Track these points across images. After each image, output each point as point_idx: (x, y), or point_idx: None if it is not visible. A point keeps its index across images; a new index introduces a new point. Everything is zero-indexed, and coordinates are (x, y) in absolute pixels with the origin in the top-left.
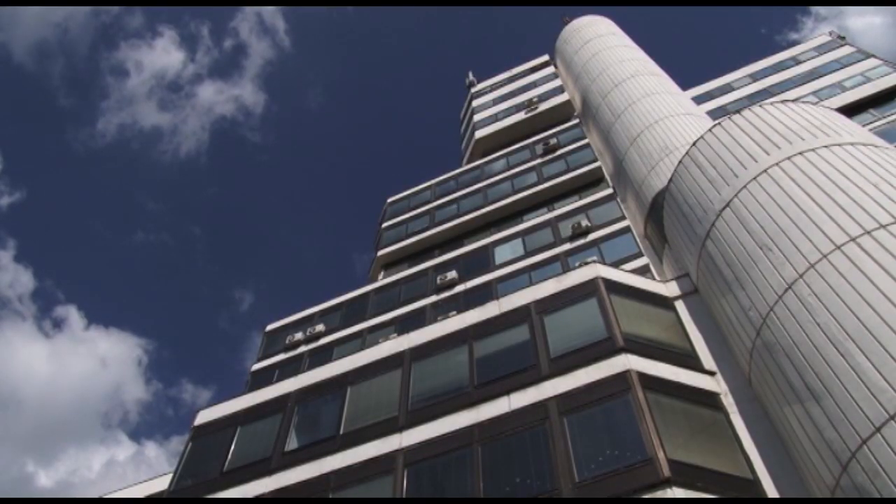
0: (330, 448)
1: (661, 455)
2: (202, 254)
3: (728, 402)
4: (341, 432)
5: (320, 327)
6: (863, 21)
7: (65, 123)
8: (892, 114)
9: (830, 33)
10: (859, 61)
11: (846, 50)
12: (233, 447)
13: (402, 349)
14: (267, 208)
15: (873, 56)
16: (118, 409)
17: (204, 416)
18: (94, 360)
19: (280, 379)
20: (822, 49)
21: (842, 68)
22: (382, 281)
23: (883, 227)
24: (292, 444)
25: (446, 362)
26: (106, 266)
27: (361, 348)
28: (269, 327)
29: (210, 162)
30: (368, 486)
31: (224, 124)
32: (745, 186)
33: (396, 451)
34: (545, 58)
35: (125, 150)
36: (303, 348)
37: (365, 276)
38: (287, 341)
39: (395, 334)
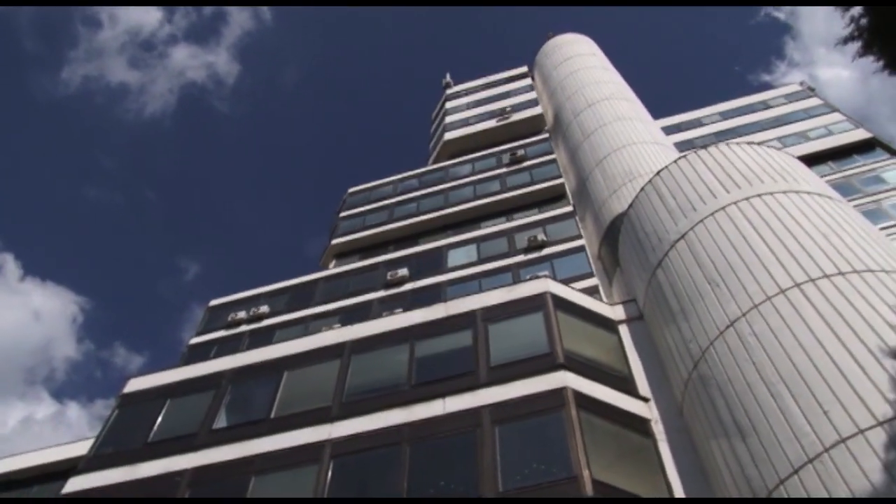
0: (259, 431)
1: (586, 474)
2: (153, 218)
3: (658, 429)
4: (272, 416)
5: (264, 309)
6: (832, 72)
7: (28, 67)
8: (849, 169)
9: (801, 83)
10: (825, 114)
11: (814, 101)
12: (160, 419)
13: (343, 340)
14: (226, 181)
15: (838, 111)
16: (44, 365)
17: (134, 385)
18: (27, 312)
19: (218, 356)
20: (791, 97)
21: (808, 118)
22: (333, 270)
23: (827, 276)
24: (221, 422)
25: (386, 358)
26: (51, 218)
27: (304, 335)
28: (213, 303)
29: (174, 127)
30: (292, 473)
31: (193, 90)
32: (701, 221)
33: (325, 441)
34: (524, 69)
35: (88, 103)
36: (244, 328)
37: (316, 263)
38: (229, 319)
39: (338, 325)
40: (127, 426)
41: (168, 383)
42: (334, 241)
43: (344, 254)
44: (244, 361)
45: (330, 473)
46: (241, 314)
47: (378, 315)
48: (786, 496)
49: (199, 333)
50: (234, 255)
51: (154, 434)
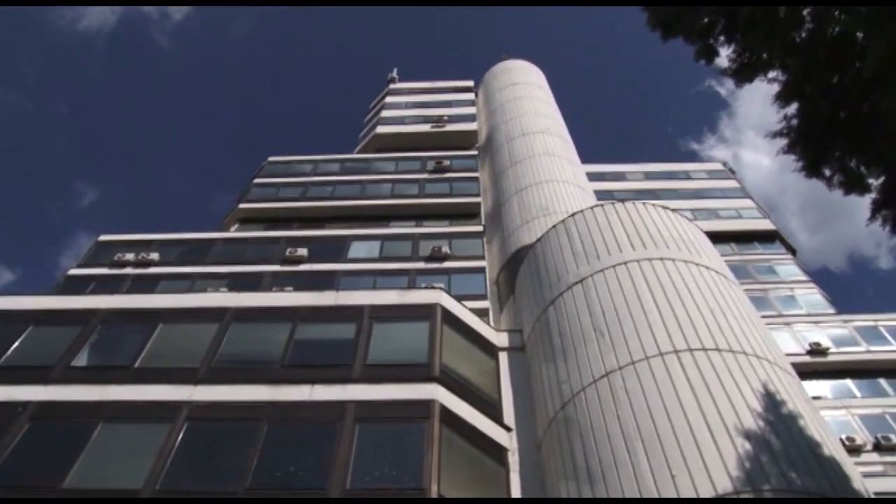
0: (118, 377)
1: (434, 488)
2: (60, 135)
3: (513, 459)
4: (136, 365)
5: (154, 256)
6: (755, 157)
7: None
8: (748, 254)
9: (724, 164)
10: (738, 198)
11: (732, 184)
12: (17, 344)
13: (227, 305)
14: (146, 115)
15: (750, 198)
16: None
17: None
18: None
19: (95, 293)
20: (712, 174)
21: (722, 198)
22: (234, 233)
23: (704, 349)
24: (81, 360)
25: (265, 333)
26: None
27: (188, 291)
28: (103, 238)
29: (107, 48)
30: (143, 427)
31: (137, 15)
32: (602, 270)
33: (184, 402)
34: (470, 83)
35: None
36: (129, 270)
37: (219, 221)
38: (115, 258)
39: (225, 289)
40: None
41: (35, 309)
42: (242, 205)
43: (249, 220)
44: (120, 304)
45: (181, 435)
46: (129, 256)
47: (268, 288)
48: None
49: (80, 265)
50: (136, 192)
51: (6, 358)
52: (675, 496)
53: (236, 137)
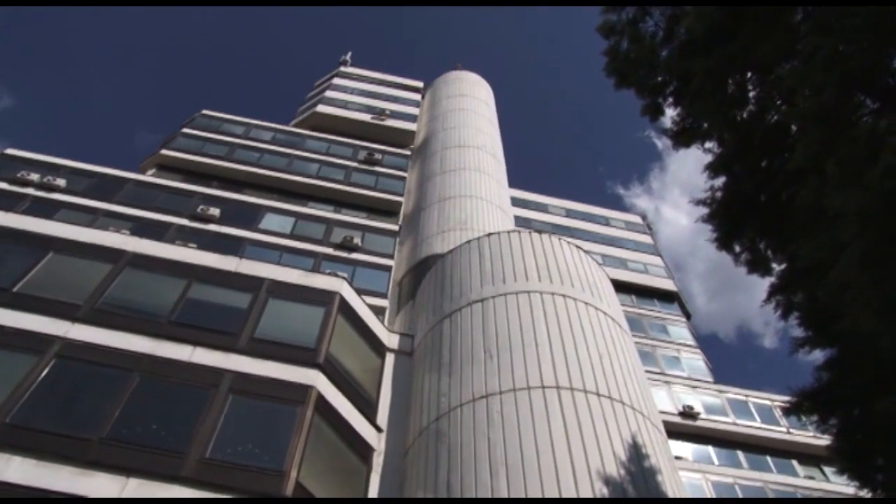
0: None
1: (292, 474)
2: None
3: (377, 461)
4: (15, 290)
5: (61, 182)
6: (675, 214)
7: None
8: (645, 309)
9: (644, 218)
10: (649, 253)
11: (646, 238)
12: None
13: (125, 248)
14: (88, 27)
15: (660, 256)
16: None
17: None
18: None
19: None
20: (630, 226)
21: (634, 251)
22: (148, 178)
23: (585, 391)
24: None
25: (158, 285)
26: None
27: (88, 225)
28: (9, 151)
29: None
30: (7, 354)
31: None
32: (504, 294)
33: (57, 337)
34: (419, 84)
35: None
36: (31, 191)
37: (136, 161)
38: (18, 175)
39: (128, 232)
40: None
41: None
42: (164, 151)
43: (167, 168)
44: (13, 223)
45: (46, 370)
46: (34, 176)
47: (171, 241)
48: None
49: None
50: (58, 108)
51: None
52: None
53: (175, 79)
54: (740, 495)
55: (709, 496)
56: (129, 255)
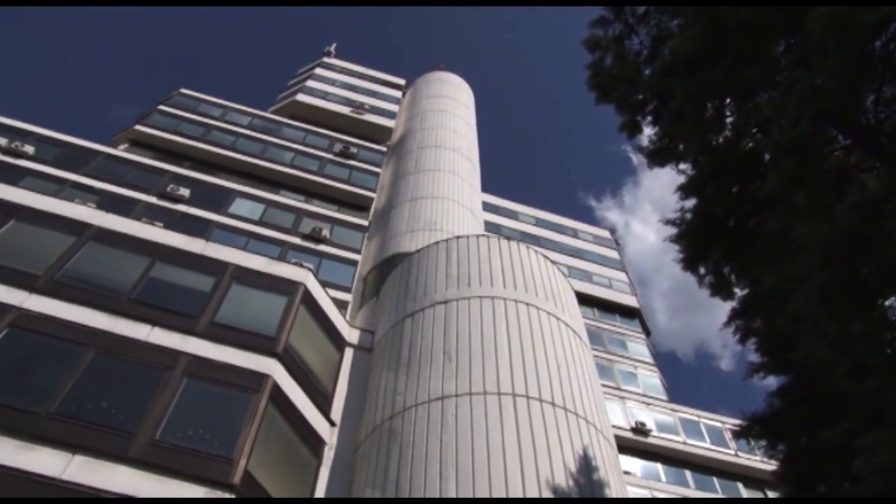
0: None
1: (242, 462)
2: None
3: (328, 455)
4: None
5: (29, 149)
6: (644, 230)
7: None
8: (606, 323)
9: (612, 233)
10: (614, 268)
11: (613, 254)
12: None
13: (91, 222)
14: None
15: (625, 272)
16: None
17: None
18: None
19: None
20: (598, 240)
21: (600, 265)
22: (120, 152)
23: (540, 400)
24: None
25: (121, 261)
26: None
27: (54, 195)
28: None
29: None
30: None
31: None
32: (468, 298)
33: (13, 306)
34: (401, 82)
35: None
36: None
37: (109, 132)
38: None
39: (94, 206)
40: None
41: None
42: (138, 127)
43: (140, 144)
44: None
45: None
46: (1, 141)
47: (138, 218)
48: None
49: None
50: (33, 73)
51: None
52: None
53: (161, 53)
54: None
55: None
56: (93, 228)
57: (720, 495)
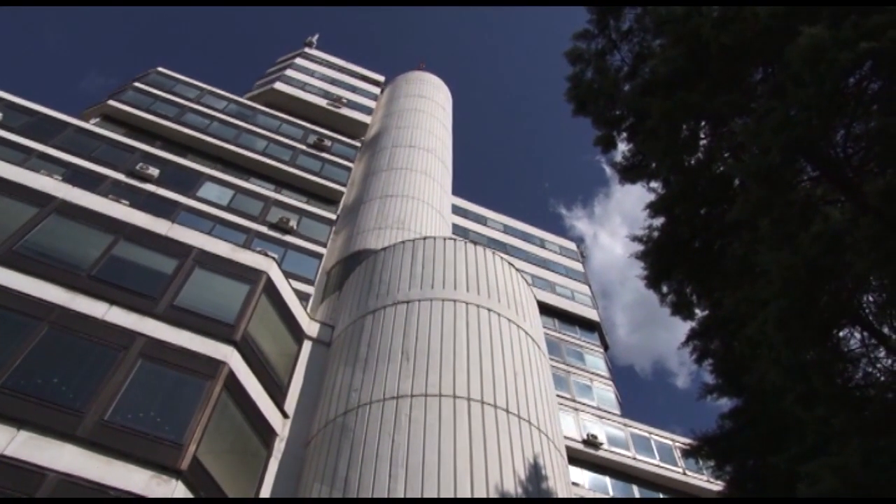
0: None
1: (191, 448)
2: None
3: (279, 447)
4: None
5: None
6: (611, 242)
7: None
8: (565, 334)
9: (579, 246)
10: (578, 280)
11: (577, 266)
12: None
13: (56, 194)
14: None
15: (588, 286)
16: None
17: None
18: None
19: None
20: (564, 251)
21: (564, 276)
22: (91, 126)
23: (494, 406)
24: None
25: (84, 237)
26: None
27: (19, 164)
28: None
29: None
30: None
31: None
32: (430, 300)
33: None
34: (381, 78)
35: None
36: None
37: (80, 103)
38: None
39: (60, 178)
40: None
41: None
42: (111, 102)
43: (112, 119)
44: None
45: None
46: None
47: (104, 194)
48: None
49: None
50: (3, 31)
51: None
52: None
53: (141, 27)
54: None
55: None
56: (58, 201)
57: None
